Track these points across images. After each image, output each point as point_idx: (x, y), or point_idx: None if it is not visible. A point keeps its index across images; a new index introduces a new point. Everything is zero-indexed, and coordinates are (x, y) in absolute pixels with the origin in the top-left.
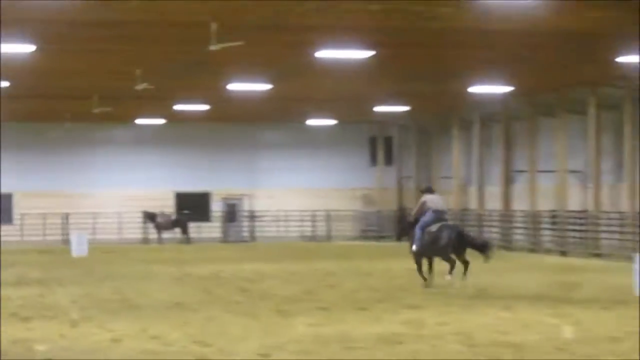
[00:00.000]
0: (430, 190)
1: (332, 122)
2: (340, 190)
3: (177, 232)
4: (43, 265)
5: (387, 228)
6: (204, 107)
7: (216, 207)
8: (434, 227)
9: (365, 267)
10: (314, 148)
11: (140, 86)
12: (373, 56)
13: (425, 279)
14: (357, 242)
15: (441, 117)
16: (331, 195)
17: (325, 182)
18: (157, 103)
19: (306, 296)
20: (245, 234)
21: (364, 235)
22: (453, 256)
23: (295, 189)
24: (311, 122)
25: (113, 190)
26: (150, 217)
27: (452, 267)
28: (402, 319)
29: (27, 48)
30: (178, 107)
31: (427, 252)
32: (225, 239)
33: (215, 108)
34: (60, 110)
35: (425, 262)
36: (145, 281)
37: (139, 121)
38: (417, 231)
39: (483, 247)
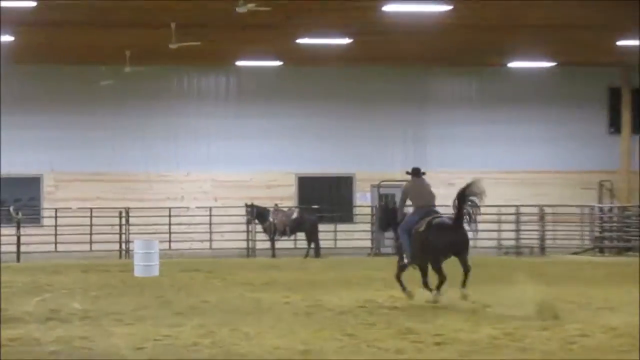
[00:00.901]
0: (416, 173)
1: (547, 64)
2: (562, 173)
3: (300, 239)
4: (89, 291)
5: (636, 234)
6: (343, 42)
7: (362, 200)
8: (421, 226)
9: (600, 296)
10: (518, 106)
11: (244, 8)
12: None
13: (404, 289)
14: (589, 257)
15: None
16: (547, 182)
17: (537, 160)
18: (271, 35)
19: (506, 340)
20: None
21: (602, 246)
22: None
23: (488, 172)
24: (514, 64)
25: (200, 171)
26: (259, 214)
27: (442, 281)
28: None
29: None
30: (302, 41)
31: (421, 260)
32: (376, 250)
33: (361, 43)
34: (116, 45)
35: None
36: (252, 316)
37: (241, 63)
38: (403, 236)
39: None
